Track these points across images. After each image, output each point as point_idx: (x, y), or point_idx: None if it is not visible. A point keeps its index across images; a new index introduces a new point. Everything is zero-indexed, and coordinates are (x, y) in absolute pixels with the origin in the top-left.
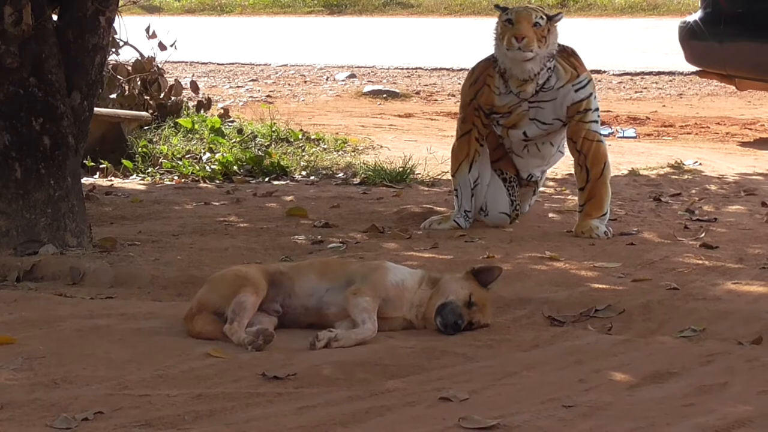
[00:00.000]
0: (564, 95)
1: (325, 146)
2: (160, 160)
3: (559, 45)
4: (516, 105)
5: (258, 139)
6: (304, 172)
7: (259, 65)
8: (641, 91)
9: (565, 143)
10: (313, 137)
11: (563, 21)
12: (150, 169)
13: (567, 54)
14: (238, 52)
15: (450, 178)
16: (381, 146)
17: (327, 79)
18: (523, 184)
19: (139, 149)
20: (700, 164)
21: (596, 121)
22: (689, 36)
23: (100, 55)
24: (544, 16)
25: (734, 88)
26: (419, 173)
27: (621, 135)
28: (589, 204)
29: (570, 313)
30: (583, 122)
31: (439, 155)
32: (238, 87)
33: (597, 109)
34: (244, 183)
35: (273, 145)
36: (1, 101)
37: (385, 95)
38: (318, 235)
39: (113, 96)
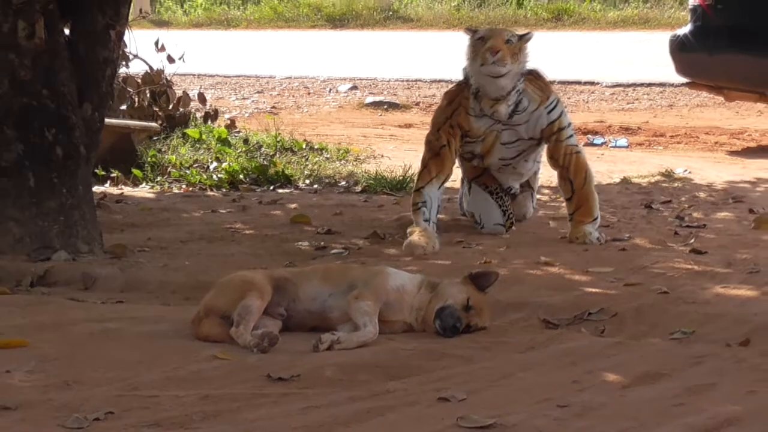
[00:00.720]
0: (537, 118)
1: (328, 156)
2: (169, 170)
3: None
4: (489, 129)
5: (263, 148)
6: (307, 181)
7: (265, 77)
8: (633, 102)
9: (541, 154)
10: (316, 147)
11: (557, 34)
12: (159, 178)
13: (533, 77)
14: (244, 65)
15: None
16: (382, 156)
17: (330, 91)
18: (516, 191)
19: (149, 159)
20: (690, 172)
21: (571, 136)
22: (679, 49)
23: (110, 67)
24: (515, 35)
25: (723, 99)
26: None
27: (613, 144)
28: (579, 212)
29: (564, 316)
30: (560, 141)
31: None
32: (244, 98)
33: (569, 124)
34: (249, 191)
35: (278, 155)
36: (14, 113)
37: (385, 106)
38: (321, 242)
39: (124, 107)
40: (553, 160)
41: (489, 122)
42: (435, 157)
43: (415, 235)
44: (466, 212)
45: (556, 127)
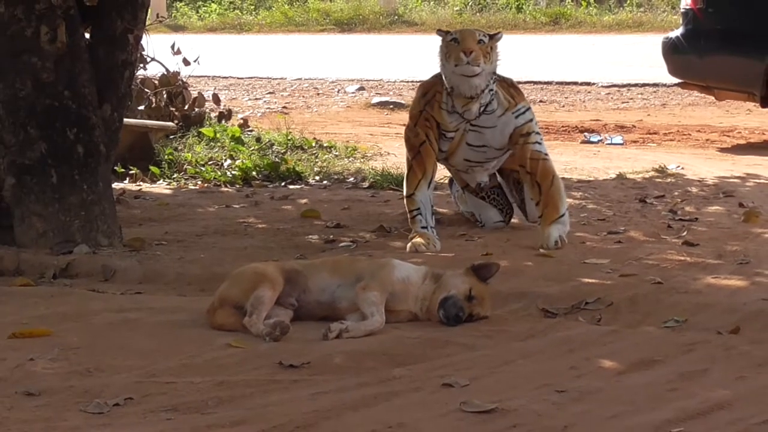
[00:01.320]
0: (505, 123)
1: (337, 153)
2: (185, 167)
3: (498, 75)
4: (458, 125)
5: (275, 146)
6: (317, 177)
7: (276, 79)
8: (627, 102)
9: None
10: (325, 145)
11: (555, 37)
12: (175, 175)
13: (507, 85)
14: (257, 67)
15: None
16: (388, 153)
17: (338, 92)
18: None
19: (166, 156)
20: (682, 168)
21: (539, 143)
22: (671, 50)
23: (128, 70)
24: (486, 36)
25: (713, 98)
26: None
27: (609, 142)
28: (546, 210)
29: (562, 305)
30: (528, 143)
31: None
32: (256, 99)
33: (538, 133)
34: (262, 187)
35: (289, 153)
36: (38, 113)
37: (391, 106)
38: (330, 235)
39: (141, 108)
40: (522, 167)
41: (459, 119)
42: (417, 156)
43: (417, 239)
44: (464, 212)
45: (525, 130)
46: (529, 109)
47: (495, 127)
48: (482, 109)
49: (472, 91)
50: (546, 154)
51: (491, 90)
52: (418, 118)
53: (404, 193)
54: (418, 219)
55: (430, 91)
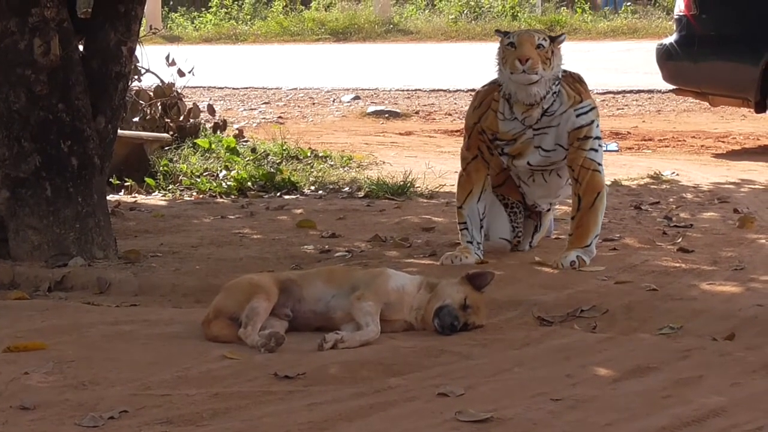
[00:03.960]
0: (566, 120)
1: (332, 163)
2: (180, 178)
3: (564, 71)
4: (520, 132)
5: (270, 157)
6: (312, 187)
7: (271, 89)
8: (623, 108)
9: None
10: (321, 155)
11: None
12: (171, 186)
13: (573, 79)
14: (252, 78)
15: (455, 203)
16: (383, 162)
17: (333, 101)
18: (527, 214)
19: (161, 168)
20: (677, 175)
21: (596, 150)
22: (666, 57)
23: (122, 82)
24: (547, 38)
25: (708, 104)
26: (419, 187)
27: (604, 149)
28: (575, 234)
29: (558, 313)
30: (582, 149)
31: (437, 170)
32: (251, 109)
33: (598, 138)
34: (257, 198)
35: (284, 163)
36: (32, 126)
37: (387, 115)
38: (326, 245)
39: (136, 119)
40: (570, 170)
41: (518, 126)
42: (467, 168)
43: (454, 251)
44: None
45: (582, 133)
46: (593, 109)
47: (558, 126)
48: (543, 112)
49: (530, 99)
50: (599, 164)
51: (554, 93)
52: (471, 131)
53: (456, 204)
54: (464, 233)
55: (485, 101)
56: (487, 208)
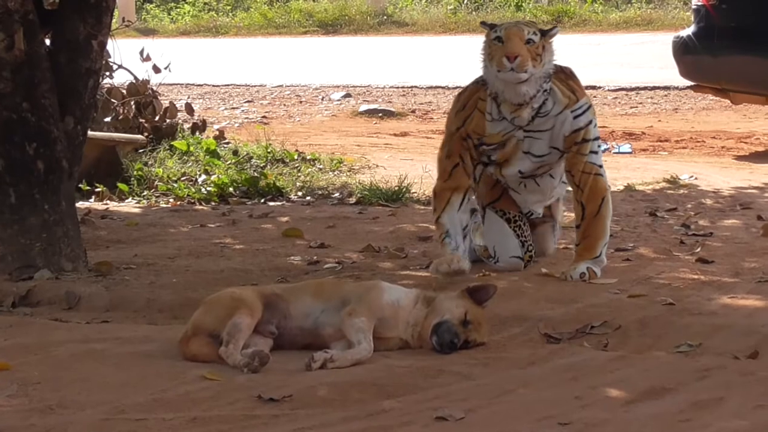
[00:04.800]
0: (562, 122)
1: (321, 166)
2: (156, 183)
3: (555, 65)
4: (510, 134)
5: (254, 160)
6: (299, 193)
7: (255, 86)
8: (636, 107)
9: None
10: (308, 157)
11: (558, 36)
12: (145, 192)
13: (565, 76)
14: (234, 74)
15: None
16: (377, 165)
17: (322, 99)
18: (536, 222)
19: (135, 172)
20: (696, 178)
21: (596, 152)
22: (683, 51)
23: (93, 79)
24: (538, 32)
25: (729, 102)
26: (415, 192)
27: (617, 150)
28: (582, 244)
29: (566, 330)
30: (582, 154)
31: (434, 174)
32: (233, 108)
33: (597, 138)
34: (239, 204)
35: (269, 166)
36: None
37: (380, 114)
38: (314, 256)
39: (108, 119)
40: (570, 175)
41: (508, 127)
42: (447, 179)
43: (444, 257)
44: (476, 247)
45: (580, 136)
46: (590, 107)
47: (553, 128)
48: (535, 113)
49: (519, 98)
50: (600, 167)
51: (545, 91)
52: (453, 137)
53: (433, 219)
54: (447, 242)
55: (469, 102)
56: (488, 228)
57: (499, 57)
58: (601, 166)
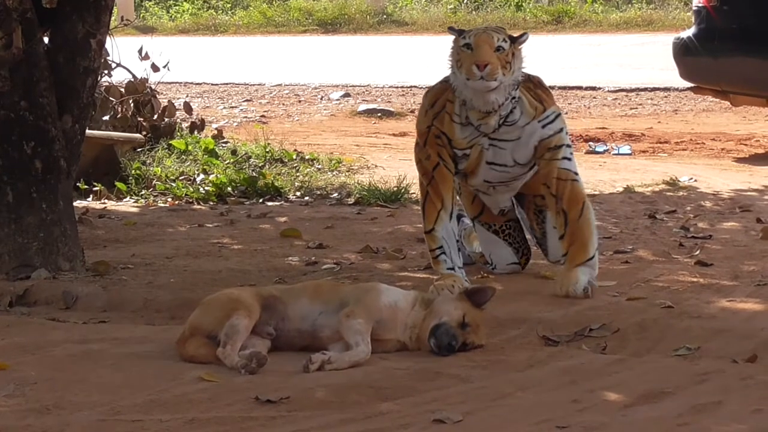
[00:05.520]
0: (530, 134)
1: (320, 166)
2: (154, 182)
3: (524, 74)
4: (475, 140)
5: (252, 159)
6: (298, 193)
7: (254, 85)
8: (636, 108)
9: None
10: (307, 157)
11: (558, 36)
12: (143, 192)
13: (533, 85)
14: (233, 72)
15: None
16: (375, 166)
17: (321, 99)
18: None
19: (133, 171)
20: (696, 181)
21: (569, 158)
22: (683, 52)
23: (91, 77)
24: (507, 39)
25: (729, 103)
26: (414, 192)
27: (616, 152)
28: (572, 250)
29: (564, 332)
30: (555, 160)
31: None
32: (232, 107)
33: (569, 146)
34: (238, 204)
35: (267, 166)
36: None
37: (379, 114)
38: (312, 257)
39: (106, 118)
40: (546, 187)
41: (474, 133)
42: (431, 182)
43: (441, 281)
44: (471, 254)
45: (552, 143)
46: (559, 116)
47: (519, 139)
48: (502, 121)
49: (487, 107)
50: (576, 173)
51: (514, 98)
52: (426, 136)
53: (424, 228)
54: (442, 259)
55: (438, 100)
56: (480, 239)
57: (468, 65)
58: (576, 173)
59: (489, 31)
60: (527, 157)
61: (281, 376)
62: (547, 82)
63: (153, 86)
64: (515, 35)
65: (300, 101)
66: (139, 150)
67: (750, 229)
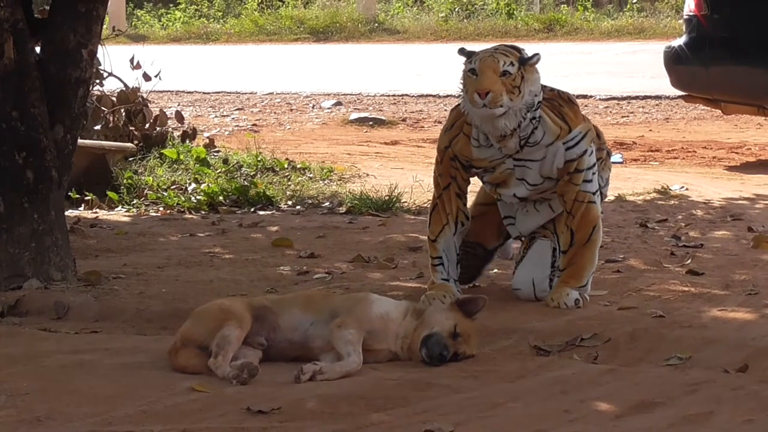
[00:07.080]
0: (554, 154)
1: (311, 175)
2: (146, 192)
3: (551, 90)
4: (499, 161)
5: (243, 168)
6: (290, 202)
7: (245, 94)
8: (627, 116)
9: None
10: (299, 166)
11: (550, 45)
12: (135, 201)
13: (560, 102)
14: (224, 81)
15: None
16: (367, 174)
17: (313, 107)
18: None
19: (124, 181)
20: (687, 189)
21: (590, 181)
22: (674, 61)
23: (83, 88)
24: (515, 62)
25: (720, 112)
26: (405, 201)
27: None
28: (568, 271)
29: (556, 342)
30: (574, 183)
31: (425, 183)
32: (223, 116)
33: (591, 167)
34: (229, 213)
35: (259, 175)
36: None
37: (371, 123)
38: (303, 266)
39: (98, 127)
40: (562, 200)
41: (497, 154)
42: (441, 196)
43: (432, 291)
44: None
45: (574, 167)
46: (585, 137)
47: (544, 159)
48: (523, 142)
49: (498, 132)
50: (594, 194)
51: (534, 119)
52: (443, 155)
53: (428, 236)
54: (439, 270)
55: (457, 122)
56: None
57: (471, 92)
58: (594, 194)
59: (496, 54)
60: (553, 174)
61: (273, 386)
62: (577, 104)
63: (144, 95)
64: (526, 56)
65: (292, 110)
66: (130, 159)
67: (741, 238)
